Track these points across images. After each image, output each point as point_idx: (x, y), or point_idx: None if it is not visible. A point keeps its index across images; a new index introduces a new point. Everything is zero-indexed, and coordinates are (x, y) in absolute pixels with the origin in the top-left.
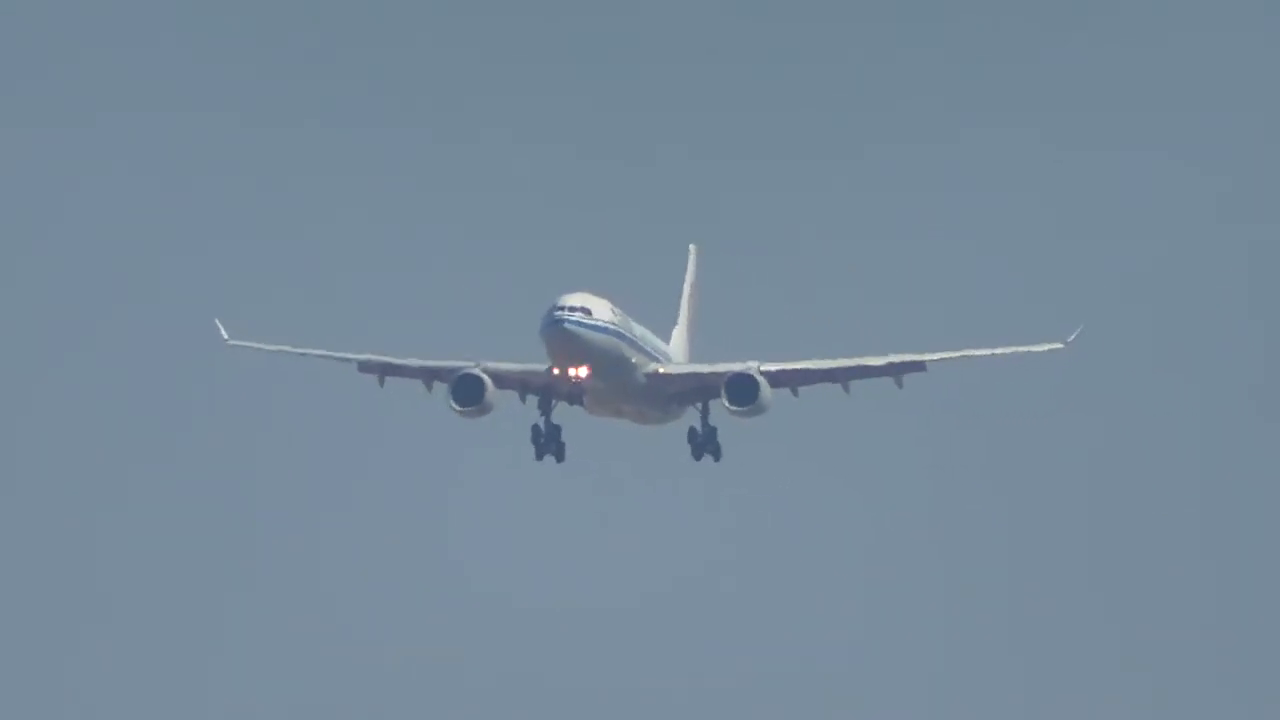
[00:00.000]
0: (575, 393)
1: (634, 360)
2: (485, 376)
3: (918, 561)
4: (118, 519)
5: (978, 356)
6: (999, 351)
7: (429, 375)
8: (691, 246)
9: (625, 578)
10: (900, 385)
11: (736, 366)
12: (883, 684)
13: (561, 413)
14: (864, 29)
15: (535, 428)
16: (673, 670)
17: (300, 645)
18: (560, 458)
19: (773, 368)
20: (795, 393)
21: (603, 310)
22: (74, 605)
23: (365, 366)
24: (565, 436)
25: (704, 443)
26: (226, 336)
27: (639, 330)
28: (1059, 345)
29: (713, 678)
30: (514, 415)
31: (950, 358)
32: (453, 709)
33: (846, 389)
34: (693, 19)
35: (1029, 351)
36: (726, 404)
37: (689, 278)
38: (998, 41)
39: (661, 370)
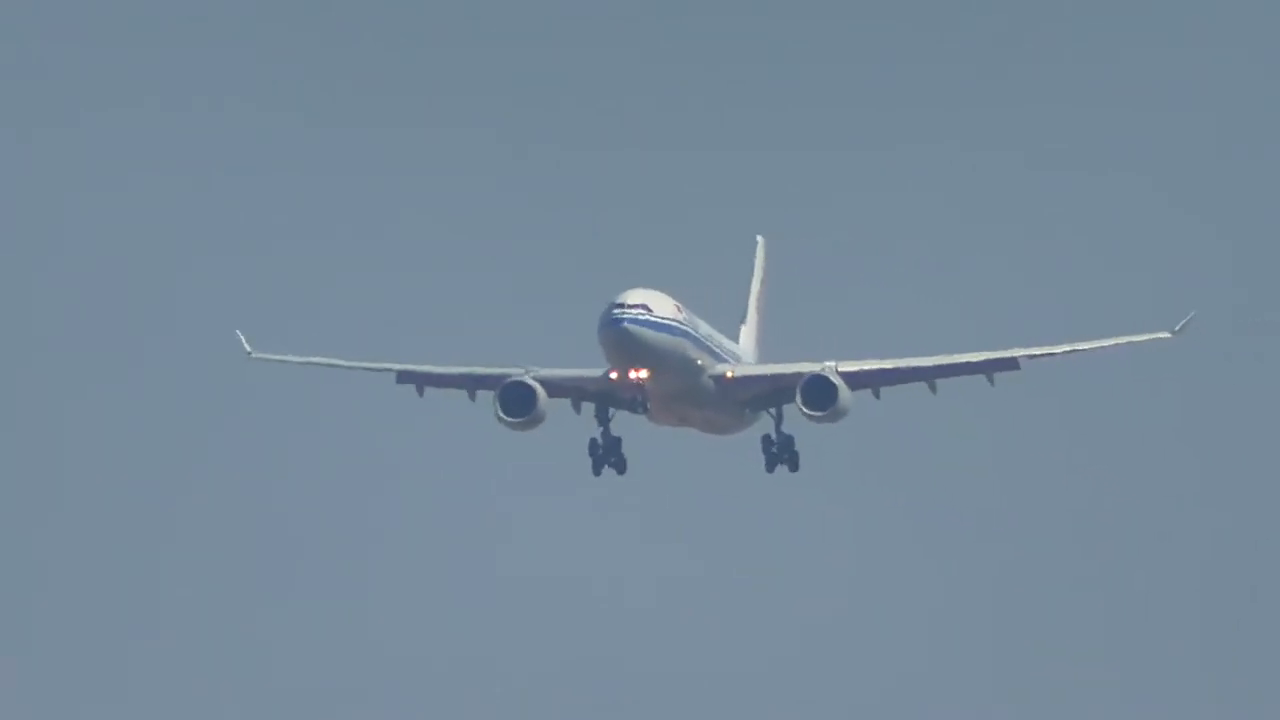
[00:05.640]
0: (636, 399)
1: (700, 362)
2: (536, 384)
3: (1013, 576)
4: (144, 545)
5: (1078, 351)
6: (1100, 344)
7: (474, 384)
8: (759, 238)
9: (694, 599)
10: (992, 383)
11: (813, 367)
12: (973, 701)
13: (622, 423)
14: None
15: (593, 440)
16: (754, 691)
17: (338, 674)
18: (621, 471)
19: (851, 367)
20: (877, 394)
21: (666, 307)
22: (98, 626)
23: (404, 377)
24: (626, 449)
25: (779, 452)
26: (249, 349)
27: (705, 329)
28: (1166, 334)
29: (789, 698)
30: (569, 426)
31: (1048, 353)
32: None
33: (933, 389)
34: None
35: (1133, 342)
36: (802, 408)
37: (757, 272)
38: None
39: (730, 373)
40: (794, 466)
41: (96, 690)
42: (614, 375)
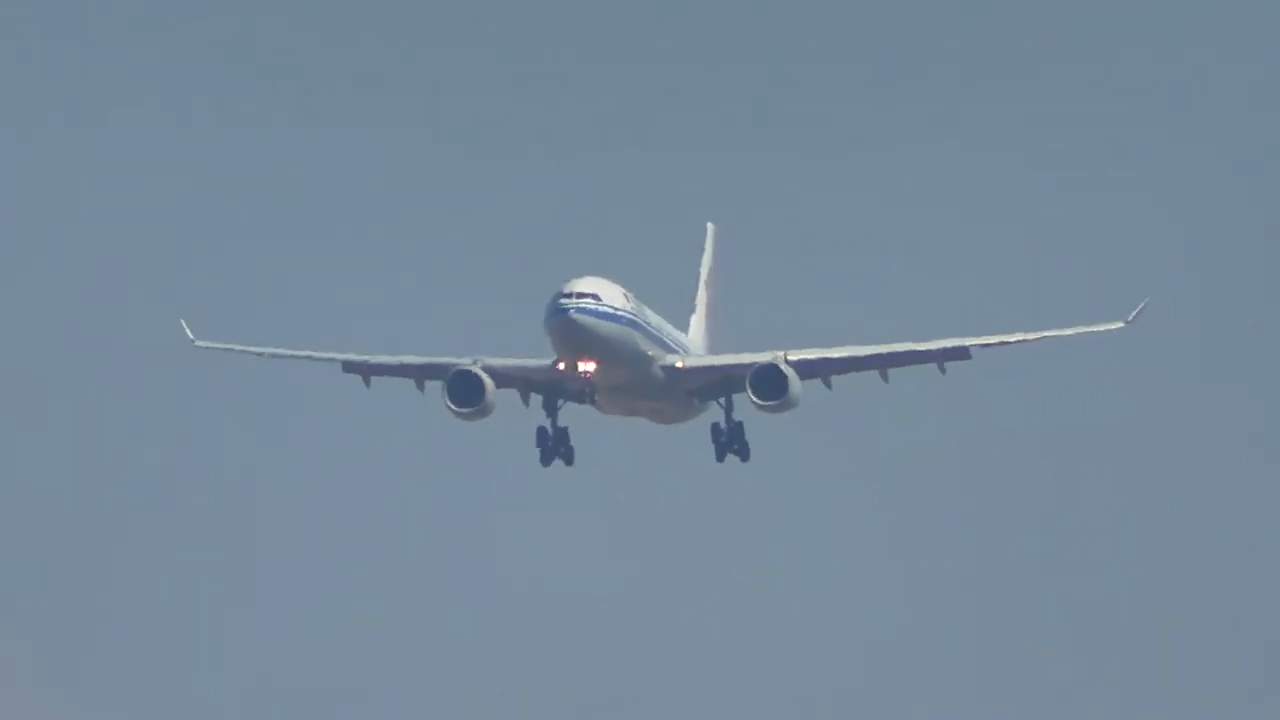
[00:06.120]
0: (584, 390)
1: (649, 352)
2: (484, 374)
3: (963, 568)
4: (77, 534)
5: (1029, 340)
6: (1053, 334)
7: (421, 374)
8: (709, 225)
9: (643, 590)
10: (943, 373)
11: (762, 357)
12: (928, 696)
13: (570, 413)
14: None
15: (541, 430)
16: (707, 684)
17: (297, 673)
18: (569, 462)
19: (801, 357)
20: (828, 384)
21: (614, 296)
22: (55, 626)
23: (350, 366)
24: (574, 439)
25: (729, 441)
26: (193, 337)
27: (654, 318)
28: (1119, 324)
29: (744, 691)
30: (518, 416)
31: (1000, 342)
32: None
33: (885, 378)
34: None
35: (1086, 332)
36: (752, 398)
37: (707, 259)
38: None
39: (680, 363)
40: (744, 456)
41: (39, 687)
42: (561, 365)
